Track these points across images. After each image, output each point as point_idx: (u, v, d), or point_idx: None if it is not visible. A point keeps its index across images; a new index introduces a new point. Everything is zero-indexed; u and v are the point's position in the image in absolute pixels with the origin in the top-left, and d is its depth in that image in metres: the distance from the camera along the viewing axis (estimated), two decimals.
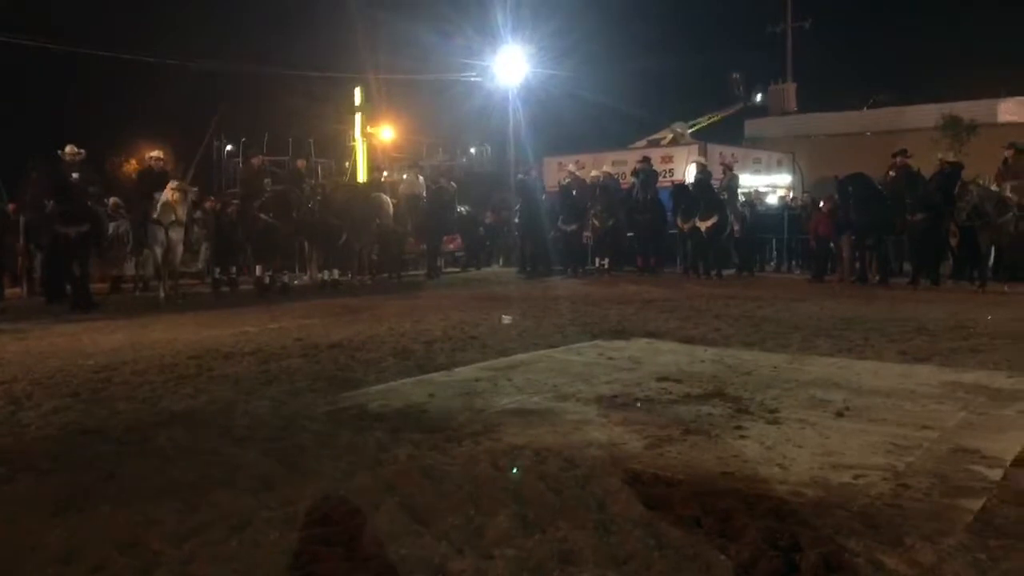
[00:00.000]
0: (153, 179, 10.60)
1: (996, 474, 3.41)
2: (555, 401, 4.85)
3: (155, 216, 10.19)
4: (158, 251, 10.44)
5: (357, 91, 25.59)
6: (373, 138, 26.68)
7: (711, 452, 3.80)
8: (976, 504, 3.06)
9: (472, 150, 28.62)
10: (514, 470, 3.55)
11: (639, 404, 4.76)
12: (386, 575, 2.53)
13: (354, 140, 26.00)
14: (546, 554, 2.69)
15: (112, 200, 11.56)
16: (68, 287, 10.17)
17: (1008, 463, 3.54)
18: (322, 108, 27.41)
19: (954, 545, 2.69)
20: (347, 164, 24.30)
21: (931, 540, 2.72)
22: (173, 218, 10.23)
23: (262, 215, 11.40)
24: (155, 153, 11.60)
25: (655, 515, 2.99)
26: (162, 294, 10.61)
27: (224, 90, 25.41)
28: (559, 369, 5.86)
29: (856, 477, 3.40)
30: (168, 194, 10.20)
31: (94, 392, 5.21)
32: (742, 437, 4.04)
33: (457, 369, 5.89)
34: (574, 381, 5.41)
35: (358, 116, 25.55)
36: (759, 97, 28.49)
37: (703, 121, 24.75)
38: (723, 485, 3.32)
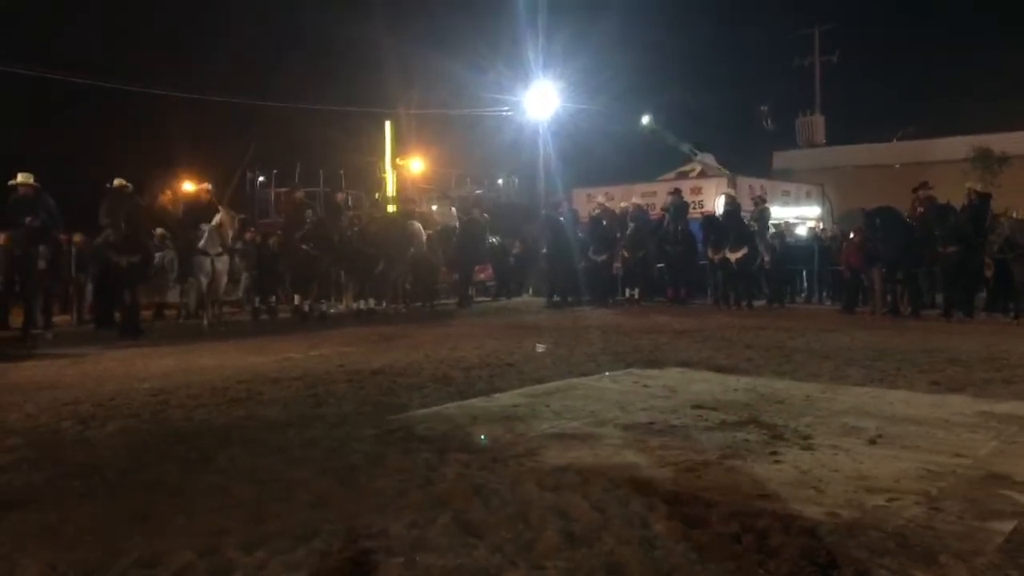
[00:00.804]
0: (201, 210, 11.03)
1: None
2: (594, 427, 5.02)
3: (201, 246, 10.59)
4: (204, 280, 10.84)
5: (387, 124, 26.16)
6: (403, 170, 27.18)
7: (747, 476, 3.94)
8: (1008, 526, 3.18)
9: (500, 181, 29.01)
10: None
11: (675, 429, 4.91)
12: None
13: (384, 172, 26.51)
14: (594, 566, 2.85)
15: (159, 231, 11.99)
16: (117, 315, 10.56)
17: None
18: (354, 140, 27.92)
19: (986, 563, 2.82)
20: (377, 195, 24.74)
21: (963, 559, 2.85)
22: (220, 248, 10.63)
23: (304, 246, 11.75)
24: (206, 185, 12.11)
25: (696, 532, 3.14)
26: (205, 322, 10.97)
27: (257, 122, 26.04)
28: (595, 396, 6.03)
29: (889, 500, 3.52)
30: (217, 223, 10.62)
31: (153, 414, 5.48)
32: (777, 462, 4.18)
33: (496, 395, 6.08)
34: (611, 408, 5.58)
35: (388, 148, 26.10)
36: (763, 108, 28.20)
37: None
38: (760, 506, 3.46)
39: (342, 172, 24.87)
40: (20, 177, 9.79)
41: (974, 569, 2.77)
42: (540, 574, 2.78)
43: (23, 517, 3.43)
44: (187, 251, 10.85)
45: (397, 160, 27.02)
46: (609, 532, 3.17)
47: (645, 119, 24.11)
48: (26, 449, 4.57)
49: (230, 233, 10.83)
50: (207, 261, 10.71)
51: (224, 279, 11.01)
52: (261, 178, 26.27)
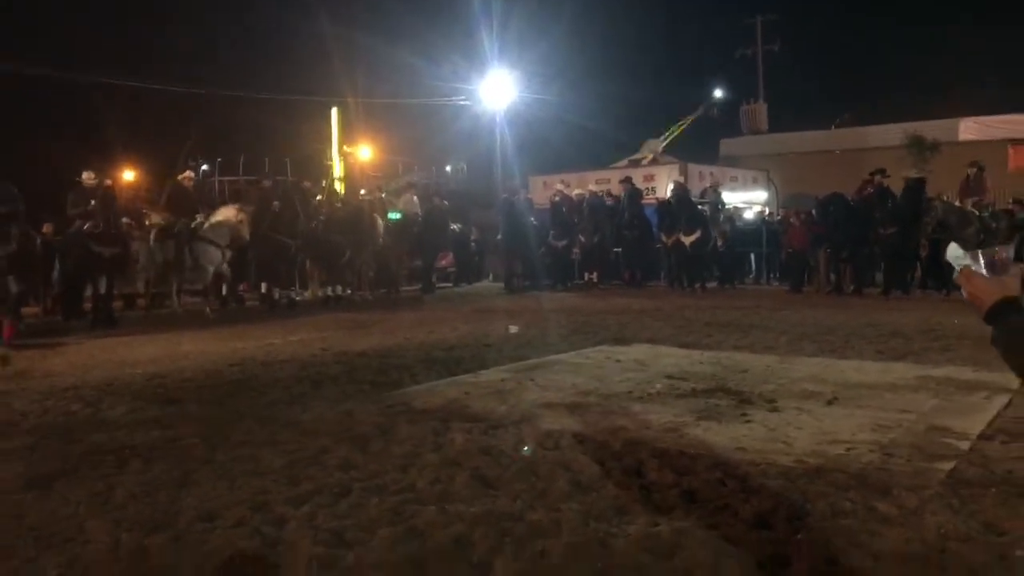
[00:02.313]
0: (188, 200, 11.25)
1: (965, 445, 4.07)
2: (578, 397, 5.45)
3: (210, 236, 10.87)
4: (210, 270, 11.09)
5: (334, 111, 26.15)
6: (351, 157, 27.22)
7: (723, 434, 4.42)
8: (948, 466, 3.71)
9: (448, 168, 29.28)
10: (525, 448, 4.14)
11: (652, 397, 5.38)
12: (479, 523, 3.10)
13: (330, 160, 26.51)
14: (604, 508, 3.28)
15: (125, 220, 12.00)
16: (88, 305, 10.61)
17: (974, 437, 4.20)
18: (299, 128, 27.75)
19: (932, 494, 3.34)
20: (324, 183, 24.78)
21: (914, 491, 3.36)
22: (230, 239, 10.94)
23: (272, 234, 11.93)
24: (187, 174, 12.30)
25: (686, 479, 3.60)
26: (208, 310, 11.32)
27: (199, 110, 25.66)
28: (574, 371, 6.47)
29: (848, 449, 4.04)
30: (233, 217, 10.89)
31: (157, 396, 5.72)
32: (747, 422, 4.68)
33: (482, 372, 6.48)
34: (590, 381, 6.02)
35: (335, 135, 26.09)
36: (717, 93, 29.37)
37: (673, 131, 25.54)
38: (738, 457, 3.94)
39: (287, 160, 24.76)
40: None
41: (923, 499, 3.28)
42: (558, 515, 3.20)
43: (70, 486, 3.70)
44: (187, 239, 11.01)
45: (344, 148, 27.07)
46: (611, 480, 3.60)
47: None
48: (46, 429, 4.79)
49: (246, 229, 11.15)
50: (218, 252, 11.02)
51: (226, 267, 11.35)
52: (205, 167, 25.97)
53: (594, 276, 16.47)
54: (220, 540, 3.00)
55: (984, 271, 1.78)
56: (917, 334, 8.24)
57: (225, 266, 11.38)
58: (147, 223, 11.60)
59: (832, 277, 14.30)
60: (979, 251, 1.81)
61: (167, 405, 5.39)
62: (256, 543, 2.98)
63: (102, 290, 10.30)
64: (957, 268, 1.85)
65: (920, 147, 21.73)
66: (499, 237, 17.90)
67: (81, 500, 3.50)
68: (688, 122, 25.81)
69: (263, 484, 3.65)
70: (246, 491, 3.56)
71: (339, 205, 14.70)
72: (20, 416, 5.16)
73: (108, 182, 10.56)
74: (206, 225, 11.14)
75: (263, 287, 13.20)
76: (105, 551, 2.94)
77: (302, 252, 13.16)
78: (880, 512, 3.15)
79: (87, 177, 10.50)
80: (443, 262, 18.11)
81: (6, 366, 6.61)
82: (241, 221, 10.89)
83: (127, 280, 11.17)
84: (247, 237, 11.14)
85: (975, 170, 13.64)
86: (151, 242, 10.91)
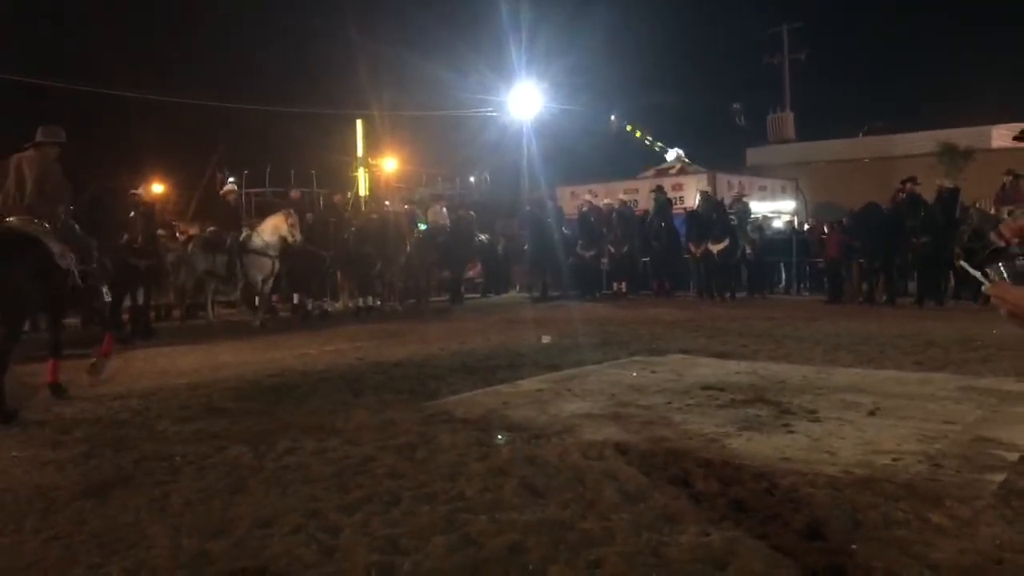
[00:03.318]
0: (232, 213, 11.46)
1: (1013, 456, 4.03)
2: (617, 407, 5.47)
3: (260, 248, 11.07)
4: (259, 279, 11.29)
5: (359, 123, 26.46)
6: (375, 169, 27.53)
7: (766, 444, 4.42)
8: (999, 477, 3.69)
9: (471, 179, 29.44)
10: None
11: (691, 408, 5.38)
12: (531, 532, 3.14)
13: (355, 171, 26.80)
14: (654, 517, 3.30)
15: (160, 232, 12.23)
16: (125, 316, 10.82)
17: (1023, 448, 4.17)
18: (325, 140, 28.07)
19: (984, 505, 3.32)
20: (349, 195, 25.05)
21: (966, 502, 3.35)
22: (280, 249, 11.12)
23: (307, 245, 12.08)
24: (230, 187, 12.56)
25: (733, 489, 3.61)
26: (258, 322, 11.50)
27: (227, 123, 26.05)
28: (610, 381, 6.48)
29: (894, 460, 4.02)
30: (284, 226, 11.10)
31: (201, 406, 5.82)
32: (790, 432, 4.67)
33: (519, 382, 6.52)
34: (627, 391, 6.04)
35: (360, 148, 26.39)
36: (736, 106, 29.21)
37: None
38: (784, 467, 3.94)
39: (313, 172, 25.03)
40: None
41: (975, 510, 3.27)
42: (610, 523, 3.22)
43: (127, 494, 3.79)
44: (238, 252, 11.20)
45: (369, 160, 27.37)
46: (658, 490, 3.62)
47: (612, 117, 24.85)
48: (98, 438, 4.90)
49: (299, 236, 11.32)
50: (268, 261, 11.21)
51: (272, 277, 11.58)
52: (232, 179, 26.31)
53: (623, 286, 16.47)
54: (279, 547, 3.07)
55: (1009, 281, 1.78)
56: (954, 344, 8.15)
57: (271, 278, 11.56)
58: (177, 234, 11.77)
59: (864, 287, 14.18)
60: (1000, 263, 1.81)
61: (212, 414, 5.49)
62: (313, 550, 3.04)
63: (140, 301, 10.51)
64: (984, 284, 1.85)
65: (952, 155, 21.48)
66: (525, 247, 17.97)
67: (140, 507, 3.59)
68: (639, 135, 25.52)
69: (314, 492, 3.72)
70: (298, 498, 3.62)
71: (374, 217, 14.83)
72: (73, 424, 5.29)
73: (136, 192, 10.71)
74: (254, 236, 11.30)
75: (295, 298, 13.37)
76: (168, 556, 3.02)
77: (334, 264, 13.31)
78: (933, 523, 3.15)
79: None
80: (471, 272, 18.21)
81: (98, 375, 6.71)
82: (292, 226, 11.09)
83: (161, 291, 11.37)
84: (299, 243, 11.34)
85: (1011, 178, 13.48)
86: (191, 253, 11.11)
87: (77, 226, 6.40)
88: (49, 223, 6.00)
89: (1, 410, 5.37)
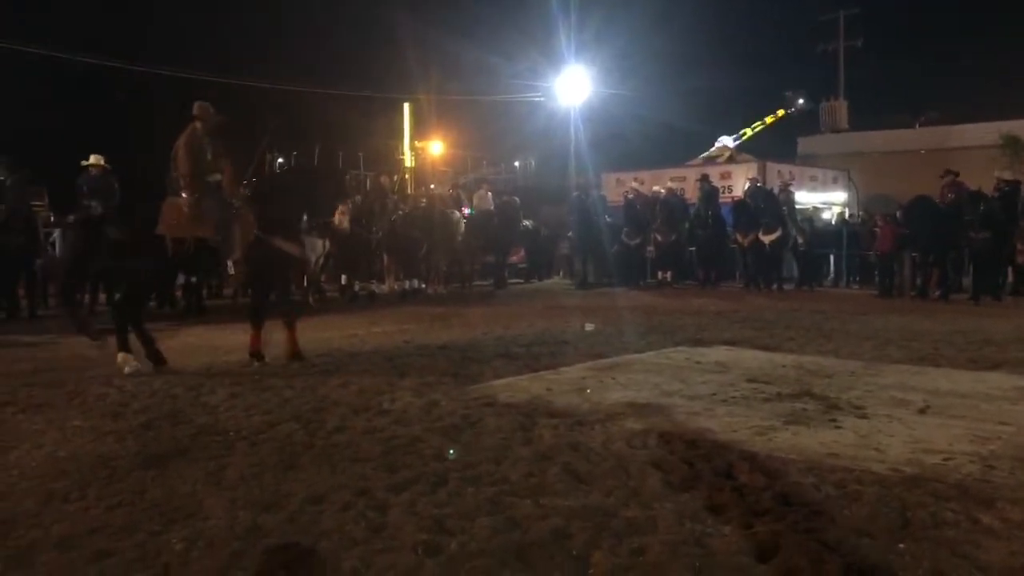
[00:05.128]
0: None
1: None
2: (661, 397, 5.47)
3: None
4: (313, 260, 11.59)
5: (406, 107, 26.63)
6: (422, 152, 27.72)
7: (813, 439, 4.38)
8: None
9: (516, 164, 29.41)
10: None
11: (737, 400, 5.35)
12: (575, 517, 3.18)
13: (402, 154, 27.00)
14: (697, 507, 3.31)
15: None
16: (178, 293, 11.14)
17: None
18: (372, 122, 28.29)
19: None
20: (396, 178, 25.27)
21: (1018, 504, 3.29)
22: (332, 230, 11.46)
23: (356, 227, 12.27)
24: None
25: (778, 482, 3.60)
26: (311, 300, 11.81)
27: (275, 105, 26.36)
28: (655, 370, 6.47)
29: (945, 460, 3.96)
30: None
31: (252, 383, 5.98)
32: (837, 428, 4.62)
33: (563, 369, 6.55)
34: (671, 381, 6.02)
35: (407, 131, 26.58)
36: (800, 101, 28.73)
37: (749, 131, 25.14)
38: (830, 463, 3.91)
39: (361, 154, 25.23)
40: (92, 158, 10.28)
41: None
42: (653, 513, 3.24)
43: (184, 465, 3.93)
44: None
45: (416, 143, 27.56)
46: (702, 482, 3.62)
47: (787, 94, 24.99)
48: (155, 411, 5.08)
49: (346, 220, 11.62)
50: (320, 242, 11.49)
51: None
52: (280, 160, 26.70)
53: (668, 275, 16.35)
54: (330, 522, 3.16)
55: None
56: (1012, 342, 7.94)
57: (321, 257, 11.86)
58: None
59: (917, 282, 13.85)
60: None
61: (264, 391, 5.63)
62: (362, 527, 3.12)
63: (193, 279, 10.78)
64: None
65: (1016, 147, 20.77)
66: (570, 234, 17.95)
67: (197, 479, 3.72)
68: (769, 122, 25.34)
69: (363, 471, 3.81)
70: (348, 476, 3.72)
71: (423, 202, 14.97)
72: (131, 397, 5.48)
73: None
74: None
75: (343, 279, 13.57)
76: (224, 528, 3.13)
77: (382, 246, 13.48)
78: (984, 524, 3.10)
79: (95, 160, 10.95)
80: (514, 258, 18.26)
81: (261, 361, 6.77)
82: (343, 212, 11.28)
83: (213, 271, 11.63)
84: (348, 227, 11.57)
85: None
86: None
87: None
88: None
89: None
